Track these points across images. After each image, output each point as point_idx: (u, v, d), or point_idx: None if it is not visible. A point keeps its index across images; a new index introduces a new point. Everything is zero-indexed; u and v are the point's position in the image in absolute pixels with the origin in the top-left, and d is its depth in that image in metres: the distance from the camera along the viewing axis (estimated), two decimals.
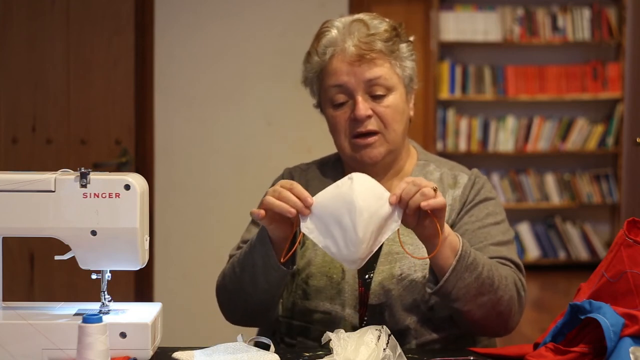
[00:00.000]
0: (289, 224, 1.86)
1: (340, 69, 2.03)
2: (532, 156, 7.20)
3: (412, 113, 2.11)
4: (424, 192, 1.78)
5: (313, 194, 2.11)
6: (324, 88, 2.07)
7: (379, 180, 2.11)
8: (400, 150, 2.11)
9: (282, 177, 2.19)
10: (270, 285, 1.96)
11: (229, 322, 2.12)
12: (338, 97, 2.05)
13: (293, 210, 1.80)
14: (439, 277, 1.89)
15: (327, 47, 2.06)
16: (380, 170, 2.10)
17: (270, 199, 1.83)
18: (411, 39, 2.11)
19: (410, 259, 2.00)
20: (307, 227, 1.82)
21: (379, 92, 2.03)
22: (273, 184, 2.18)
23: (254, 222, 2.15)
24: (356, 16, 2.09)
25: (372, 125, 2.03)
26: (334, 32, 2.07)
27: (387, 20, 2.09)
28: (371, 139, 2.04)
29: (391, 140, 2.05)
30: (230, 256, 2.13)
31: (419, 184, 1.79)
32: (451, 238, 1.87)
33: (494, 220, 2.06)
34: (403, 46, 2.07)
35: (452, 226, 2.05)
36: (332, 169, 2.17)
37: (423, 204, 1.78)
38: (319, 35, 2.10)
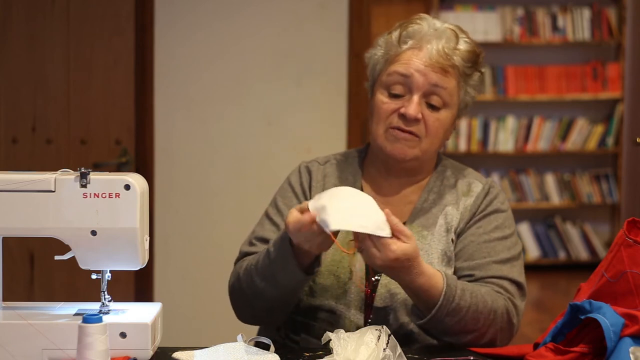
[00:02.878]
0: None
1: (414, 62, 2.01)
2: (532, 156, 7.20)
3: (449, 137, 2.12)
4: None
5: (329, 188, 2.10)
6: (387, 71, 2.05)
7: (398, 182, 2.11)
8: (428, 163, 2.12)
9: (299, 171, 2.17)
10: (291, 290, 1.96)
11: (241, 321, 2.10)
12: (397, 87, 2.03)
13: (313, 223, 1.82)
14: (422, 312, 1.91)
15: (410, 37, 2.04)
16: (402, 172, 2.10)
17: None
18: (483, 70, 2.11)
19: None
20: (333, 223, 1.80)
21: (436, 103, 2.02)
22: (288, 179, 2.18)
23: (267, 217, 2.14)
24: (449, 25, 2.07)
25: (415, 128, 2.02)
26: (424, 27, 2.04)
27: (473, 42, 2.08)
28: (409, 136, 2.02)
29: (424, 149, 2.04)
30: (243, 252, 2.11)
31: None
32: (429, 284, 1.87)
33: (502, 235, 2.05)
34: (476, 74, 2.08)
35: (459, 235, 2.05)
36: (351, 165, 2.16)
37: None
38: (407, 24, 2.07)
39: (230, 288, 2.07)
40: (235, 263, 2.10)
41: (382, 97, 2.05)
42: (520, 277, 2.03)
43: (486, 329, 1.93)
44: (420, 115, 2.01)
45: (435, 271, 1.89)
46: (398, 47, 2.04)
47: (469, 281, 1.98)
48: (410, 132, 2.02)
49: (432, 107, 2.03)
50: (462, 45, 2.05)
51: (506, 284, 1.99)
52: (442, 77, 2.01)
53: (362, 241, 1.82)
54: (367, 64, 2.12)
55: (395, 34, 2.06)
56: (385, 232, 1.80)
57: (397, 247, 1.80)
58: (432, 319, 1.89)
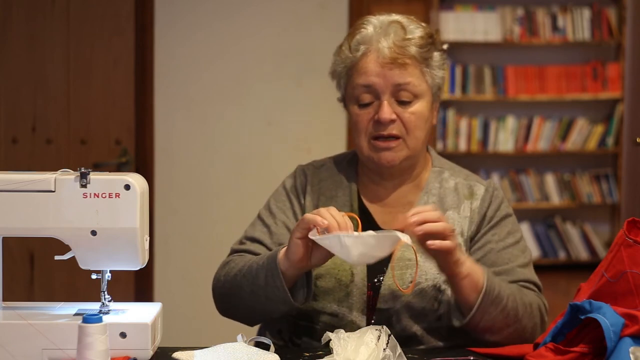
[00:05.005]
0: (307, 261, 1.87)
1: (371, 69, 2.01)
2: (532, 156, 7.19)
3: (434, 122, 2.11)
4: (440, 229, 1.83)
5: (325, 193, 2.11)
6: (352, 85, 2.05)
7: (393, 185, 2.10)
8: (419, 158, 2.11)
9: (295, 175, 2.17)
10: (273, 310, 1.97)
11: (221, 314, 2.12)
12: (364, 96, 2.03)
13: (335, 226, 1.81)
14: (464, 311, 1.92)
15: (360, 43, 2.04)
16: (396, 174, 2.10)
17: (310, 217, 1.83)
18: (445, 47, 2.10)
19: (422, 267, 2.00)
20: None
21: (406, 97, 2.02)
22: (284, 182, 2.18)
23: (259, 218, 2.14)
24: (394, 17, 2.06)
25: (394, 129, 2.02)
26: (369, 30, 2.04)
27: (423, 25, 2.07)
28: (392, 143, 2.02)
29: (412, 146, 2.04)
30: (233, 250, 2.12)
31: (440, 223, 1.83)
32: (474, 275, 1.88)
33: (515, 240, 2.07)
34: (436, 54, 2.06)
35: (471, 239, 2.06)
36: (345, 168, 2.16)
37: (429, 243, 1.81)
38: (354, 31, 2.07)
39: (214, 286, 2.10)
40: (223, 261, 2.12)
41: (354, 110, 2.06)
42: (537, 279, 2.06)
43: (526, 321, 1.94)
44: (394, 116, 2.01)
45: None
46: (352, 57, 2.04)
47: None
48: (391, 136, 2.02)
49: (404, 103, 2.02)
50: (412, 33, 2.03)
51: (531, 286, 2.02)
52: (402, 72, 2.01)
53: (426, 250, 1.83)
54: (333, 80, 2.13)
55: (346, 45, 2.07)
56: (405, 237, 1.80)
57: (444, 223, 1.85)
58: (479, 309, 1.88)
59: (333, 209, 1.83)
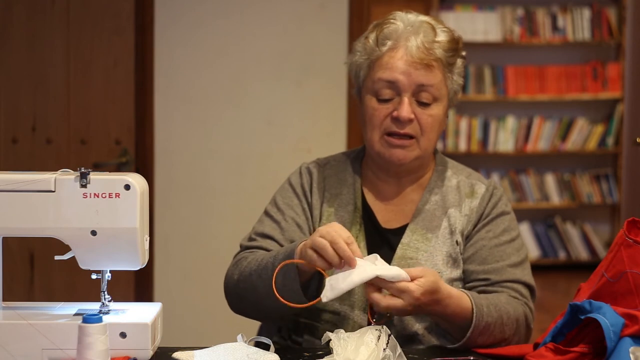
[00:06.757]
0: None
1: (397, 65, 2.00)
2: (532, 156, 7.20)
3: (444, 126, 2.11)
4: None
5: (330, 190, 2.10)
6: (373, 78, 2.04)
7: (397, 183, 2.10)
8: (428, 159, 2.11)
9: (300, 173, 2.16)
10: (290, 310, 1.93)
11: (233, 311, 2.10)
12: (385, 92, 2.02)
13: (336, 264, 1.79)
14: (453, 335, 1.93)
15: (388, 38, 2.02)
16: (402, 173, 2.10)
17: (323, 243, 1.79)
18: (464, 53, 2.10)
19: (424, 264, 1.99)
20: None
21: (426, 99, 2.02)
22: (289, 179, 2.17)
23: (267, 214, 2.13)
24: (424, 17, 2.06)
25: (410, 129, 2.02)
26: (399, 26, 2.03)
27: (450, 29, 2.08)
28: (406, 142, 2.02)
29: (424, 147, 2.04)
30: (243, 246, 2.10)
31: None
32: (461, 314, 1.88)
33: (510, 237, 2.06)
34: (459, 61, 2.08)
35: (467, 237, 2.06)
36: (350, 167, 2.15)
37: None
38: (382, 24, 2.05)
39: (227, 285, 2.05)
40: (235, 257, 2.09)
41: (371, 104, 2.04)
42: (531, 279, 2.05)
43: (511, 337, 1.95)
44: (412, 116, 2.01)
45: (459, 292, 1.90)
46: (378, 50, 2.03)
47: (485, 285, 2.00)
48: (406, 135, 2.02)
49: (424, 104, 2.02)
50: (441, 36, 2.04)
51: (521, 287, 2.01)
52: (427, 73, 2.01)
53: (378, 303, 1.80)
54: (349, 70, 2.11)
55: (372, 37, 2.05)
56: (403, 275, 1.79)
57: (417, 286, 1.79)
58: (467, 341, 1.89)
59: (353, 243, 1.80)
